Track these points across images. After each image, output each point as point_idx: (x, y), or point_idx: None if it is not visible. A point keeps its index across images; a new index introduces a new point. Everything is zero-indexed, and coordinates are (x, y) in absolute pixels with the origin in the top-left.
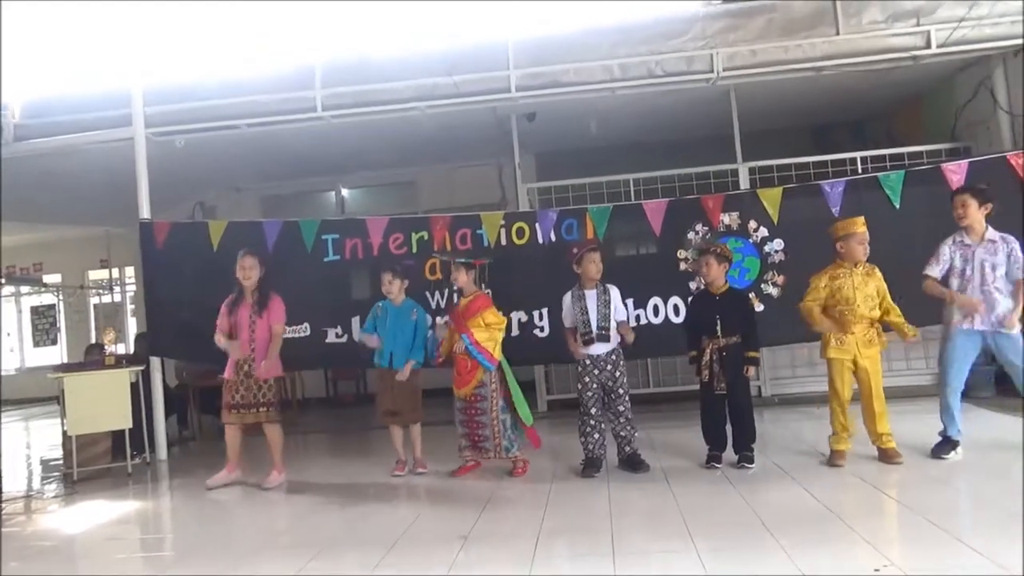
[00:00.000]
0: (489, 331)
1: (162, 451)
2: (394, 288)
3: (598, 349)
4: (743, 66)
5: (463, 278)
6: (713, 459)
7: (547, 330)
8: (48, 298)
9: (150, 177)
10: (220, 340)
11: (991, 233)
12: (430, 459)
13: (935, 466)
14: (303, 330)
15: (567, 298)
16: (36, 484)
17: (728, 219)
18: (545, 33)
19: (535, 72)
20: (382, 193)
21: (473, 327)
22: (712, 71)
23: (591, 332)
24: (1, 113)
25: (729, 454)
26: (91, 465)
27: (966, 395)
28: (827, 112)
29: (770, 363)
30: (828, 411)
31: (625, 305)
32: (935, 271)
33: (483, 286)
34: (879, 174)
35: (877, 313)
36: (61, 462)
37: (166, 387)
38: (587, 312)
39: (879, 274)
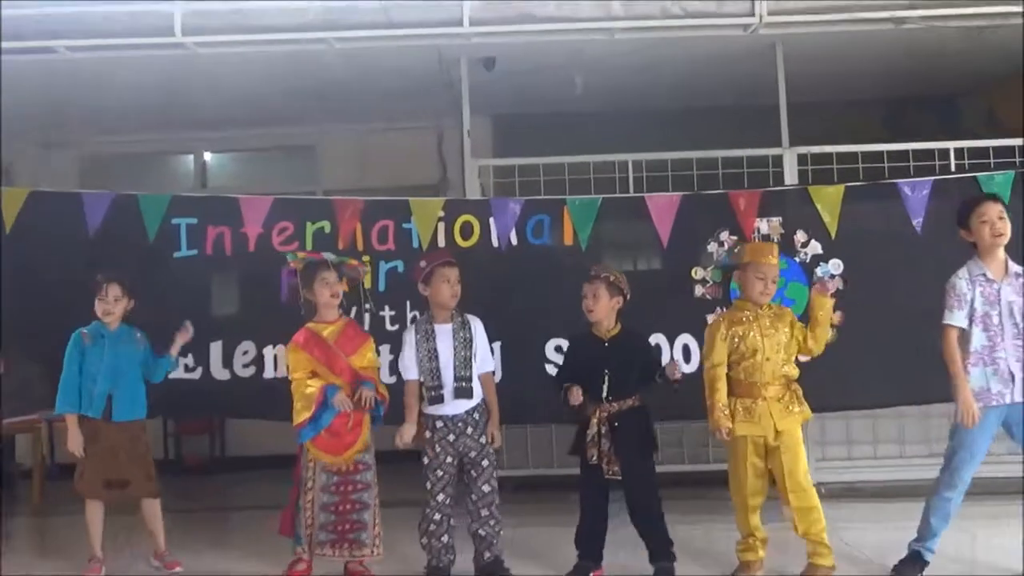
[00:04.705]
0: (372, 375)
1: None
2: (119, 308)
3: (455, 407)
4: (795, 11)
5: (340, 293)
6: (580, 570)
7: (499, 374)
8: None
9: None
10: None
11: (1013, 265)
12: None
13: None
14: None
15: (409, 337)
16: None
17: (766, 227)
18: None
19: (499, 1)
20: (265, 162)
21: (358, 364)
22: (753, 15)
23: (442, 386)
24: None
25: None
26: None
27: None
28: (907, 83)
29: (818, 438)
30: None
31: (492, 350)
32: (959, 318)
33: (359, 308)
34: (980, 174)
35: (795, 370)
36: None
37: None
38: (437, 357)
39: (790, 316)
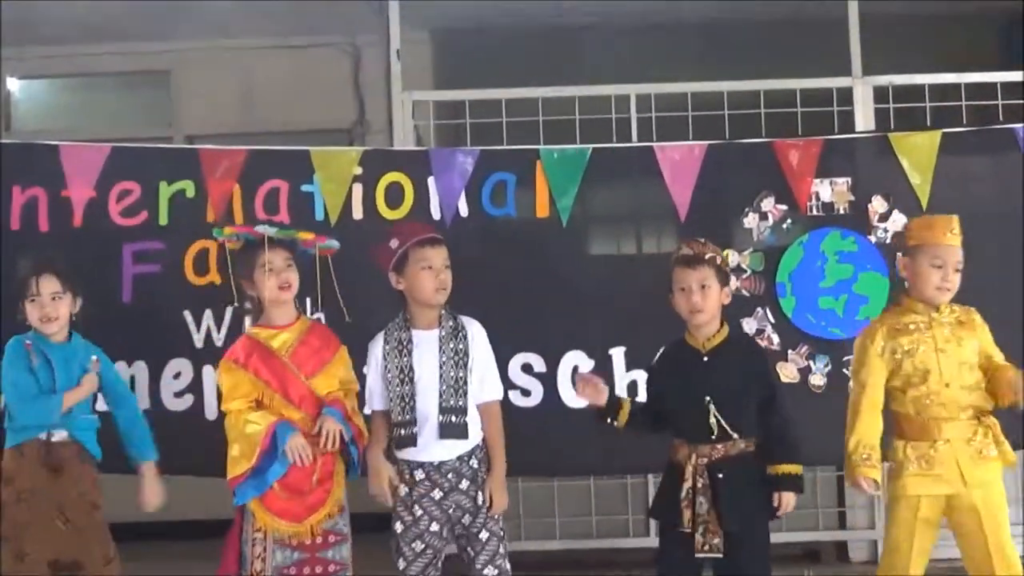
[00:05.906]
0: (349, 399)
1: None
2: (62, 309)
3: (441, 450)
4: None
5: (294, 283)
6: None
7: None
8: None
9: None
10: None
11: None
12: None
13: None
14: None
15: (375, 349)
16: None
17: (829, 191)
18: None
19: None
20: (98, 93)
21: (325, 389)
22: None
23: (416, 422)
24: None
25: None
26: None
27: None
28: None
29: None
30: None
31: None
32: None
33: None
34: None
35: (988, 400)
36: None
37: None
38: (413, 378)
39: (979, 321)
